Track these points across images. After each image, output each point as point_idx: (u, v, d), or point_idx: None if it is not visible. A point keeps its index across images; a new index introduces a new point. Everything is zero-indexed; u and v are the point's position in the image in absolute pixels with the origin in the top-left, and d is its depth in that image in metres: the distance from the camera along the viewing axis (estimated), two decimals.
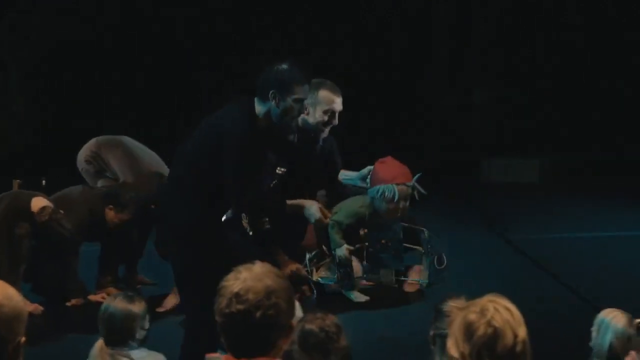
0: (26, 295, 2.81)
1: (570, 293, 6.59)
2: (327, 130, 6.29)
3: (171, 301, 6.31)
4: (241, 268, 2.77)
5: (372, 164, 6.35)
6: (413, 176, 6.18)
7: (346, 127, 6.47)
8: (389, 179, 6.06)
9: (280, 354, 2.81)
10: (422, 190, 6.12)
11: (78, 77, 12.15)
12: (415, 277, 6.29)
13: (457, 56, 13.36)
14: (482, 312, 2.41)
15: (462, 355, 2.40)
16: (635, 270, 7.17)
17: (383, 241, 6.24)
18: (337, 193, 6.51)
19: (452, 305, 3.46)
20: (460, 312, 2.47)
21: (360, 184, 6.31)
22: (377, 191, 6.06)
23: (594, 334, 3.65)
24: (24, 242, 6.07)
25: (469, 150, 12.69)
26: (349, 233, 6.18)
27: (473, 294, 2.61)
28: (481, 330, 2.38)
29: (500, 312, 2.40)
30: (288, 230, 6.09)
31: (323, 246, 6.27)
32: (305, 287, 6.14)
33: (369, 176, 6.22)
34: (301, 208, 5.97)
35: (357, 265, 6.22)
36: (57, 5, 11.87)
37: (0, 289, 2.58)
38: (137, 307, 4.11)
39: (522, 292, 6.12)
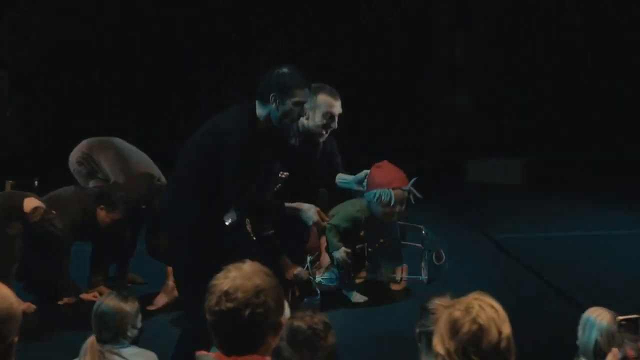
0: (18, 294, 2.84)
1: (553, 291, 6.63)
2: (326, 133, 6.35)
3: (162, 300, 6.36)
4: (231, 267, 2.81)
5: (371, 164, 6.39)
6: (409, 180, 6.23)
7: (346, 127, 6.51)
8: (385, 183, 6.11)
9: (270, 351, 2.84)
10: (418, 194, 6.15)
11: (78, 77, 12.16)
12: (402, 276, 6.37)
13: (457, 56, 13.37)
14: (467, 309, 2.43)
15: (447, 351, 2.42)
16: (618, 267, 7.22)
17: (382, 240, 6.28)
18: (337, 192, 6.56)
19: (438, 303, 3.50)
20: (446, 309, 2.49)
21: (356, 187, 6.35)
22: (374, 195, 6.10)
23: (580, 332, 3.69)
24: (16, 242, 6.12)
25: (455, 151, 12.74)
26: (349, 234, 6.22)
27: (458, 292, 2.63)
28: (466, 327, 2.40)
29: (485, 310, 2.42)
30: (289, 233, 6.14)
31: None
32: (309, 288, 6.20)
33: (365, 180, 6.26)
34: (298, 211, 6.01)
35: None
36: (57, 5, 11.87)
37: None
38: (130, 306, 4.15)
39: (507, 290, 6.19)
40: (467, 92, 13.42)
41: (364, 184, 6.24)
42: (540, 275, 7.02)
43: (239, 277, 2.76)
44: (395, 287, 6.47)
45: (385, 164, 6.26)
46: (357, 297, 6.24)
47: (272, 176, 6.00)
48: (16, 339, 2.63)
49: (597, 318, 3.60)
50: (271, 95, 5.13)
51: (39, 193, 6.49)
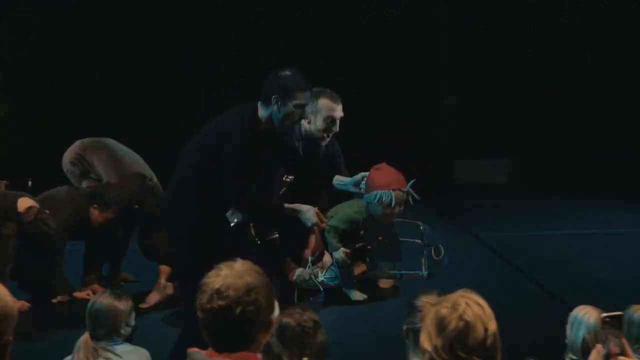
0: (13, 293, 2.86)
1: (539, 289, 6.69)
2: (328, 137, 6.42)
3: (154, 298, 6.41)
4: (222, 265, 2.83)
5: (371, 164, 6.44)
6: (407, 182, 6.30)
7: (346, 128, 6.56)
8: (385, 185, 6.18)
9: (261, 348, 2.86)
10: (416, 196, 6.22)
11: (78, 77, 12.16)
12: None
13: (457, 56, 13.37)
14: (454, 306, 2.46)
15: (434, 348, 2.44)
16: (607, 265, 7.29)
17: (380, 238, 6.34)
18: (335, 193, 6.61)
19: (425, 300, 3.53)
20: (433, 307, 2.51)
21: (353, 189, 6.42)
22: (375, 197, 6.17)
23: (568, 330, 3.73)
24: (10, 242, 6.16)
25: (444, 151, 12.77)
26: (348, 235, 6.28)
27: (445, 289, 2.65)
28: (453, 324, 2.43)
29: (472, 307, 2.45)
30: (289, 234, 6.21)
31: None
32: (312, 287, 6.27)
33: (362, 182, 6.32)
34: (298, 212, 6.06)
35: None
36: (57, 5, 11.88)
37: None
38: (123, 304, 4.19)
39: (496, 288, 6.23)
40: (455, 92, 13.44)
41: (361, 185, 6.30)
42: (528, 274, 7.07)
43: (231, 275, 2.78)
44: (383, 284, 6.55)
45: (384, 166, 6.33)
46: (357, 295, 6.31)
47: (276, 179, 6.05)
48: (11, 338, 2.65)
49: (585, 316, 3.65)
50: (273, 97, 5.23)
51: (32, 193, 6.53)
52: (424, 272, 6.28)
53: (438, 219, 8.44)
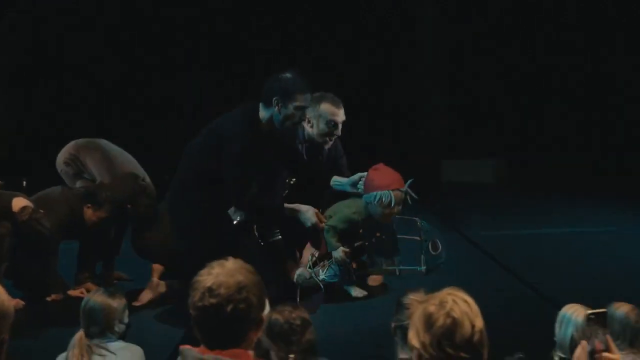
0: (8, 291, 2.89)
1: (526, 287, 6.73)
2: (330, 140, 6.48)
3: (147, 296, 6.46)
4: (214, 264, 2.87)
5: (369, 163, 6.49)
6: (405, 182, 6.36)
7: (346, 127, 6.61)
8: (384, 185, 6.25)
9: (252, 346, 2.89)
10: (414, 195, 6.28)
11: (77, 77, 12.18)
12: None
13: (458, 56, 13.38)
14: (441, 304, 2.49)
15: (422, 344, 2.47)
16: (591, 264, 7.35)
17: (378, 234, 6.40)
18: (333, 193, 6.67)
19: (412, 298, 3.57)
20: (421, 304, 2.54)
21: (351, 189, 6.47)
22: (374, 198, 6.22)
23: (557, 328, 3.78)
24: (5, 241, 6.21)
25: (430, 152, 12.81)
26: (347, 235, 6.33)
27: (432, 287, 2.68)
28: (440, 321, 2.46)
29: (459, 304, 2.48)
30: (289, 234, 6.22)
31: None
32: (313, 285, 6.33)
33: (359, 182, 6.37)
34: (297, 212, 6.12)
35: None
36: (57, 5, 11.89)
37: None
38: (117, 302, 4.23)
39: (480, 286, 6.24)
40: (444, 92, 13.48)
41: (359, 186, 6.35)
42: (517, 272, 7.12)
43: (222, 273, 2.81)
44: (372, 282, 6.63)
45: (381, 167, 6.38)
46: (357, 292, 6.40)
47: (280, 180, 6.10)
48: (7, 336, 2.67)
49: (573, 314, 3.69)
50: (274, 98, 5.37)
51: (27, 193, 6.59)
52: (422, 268, 6.34)
53: (426, 219, 8.49)
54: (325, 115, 6.35)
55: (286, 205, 6.06)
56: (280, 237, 6.12)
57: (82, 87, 12.17)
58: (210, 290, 2.78)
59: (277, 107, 5.40)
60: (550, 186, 11.47)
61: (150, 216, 6.58)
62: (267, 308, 2.99)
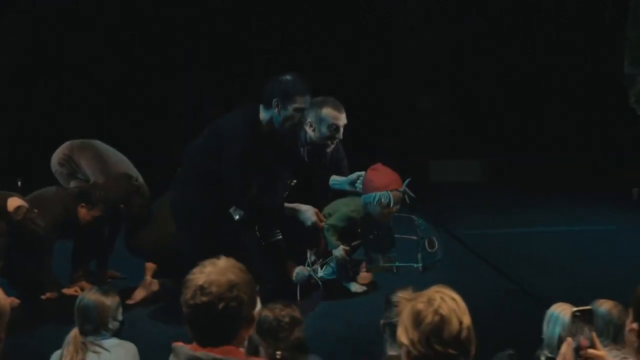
0: (3, 290, 2.92)
1: (513, 285, 6.84)
2: (332, 144, 6.60)
3: (140, 294, 6.58)
4: (206, 262, 2.91)
5: (367, 163, 6.53)
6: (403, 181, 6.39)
7: (346, 128, 6.65)
8: (383, 186, 6.33)
9: (243, 343, 2.92)
10: (412, 194, 6.33)
11: (77, 77, 12.17)
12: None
13: (458, 56, 13.36)
14: (430, 301, 2.52)
15: (411, 341, 2.51)
16: (579, 263, 7.45)
17: (375, 232, 6.45)
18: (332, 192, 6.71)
19: (401, 296, 3.60)
20: (409, 302, 2.58)
21: (349, 188, 6.54)
22: (373, 198, 6.28)
23: (544, 327, 3.81)
24: (0, 240, 6.23)
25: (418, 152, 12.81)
26: (346, 233, 6.39)
27: (421, 286, 2.71)
28: (429, 318, 2.50)
29: (446, 302, 2.52)
30: (289, 233, 6.29)
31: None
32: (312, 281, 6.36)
33: (357, 181, 6.42)
34: (297, 212, 6.17)
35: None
36: (57, 5, 11.89)
37: None
38: (110, 300, 4.29)
39: (469, 284, 6.37)
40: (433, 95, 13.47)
41: (357, 184, 6.40)
42: (506, 271, 7.19)
43: (214, 272, 2.85)
44: (361, 281, 6.69)
45: (380, 167, 6.45)
46: (356, 288, 6.52)
47: (279, 181, 6.15)
48: (3, 335, 2.69)
49: (561, 313, 3.73)
50: (274, 100, 5.52)
51: (22, 193, 6.68)
52: (419, 265, 6.40)
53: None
54: (327, 119, 6.45)
55: (286, 204, 6.11)
56: (280, 236, 6.17)
57: (82, 87, 12.14)
58: (202, 288, 2.82)
59: (276, 109, 5.52)
60: (550, 186, 11.48)
61: (143, 216, 6.65)
62: (259, 305, 3.02)
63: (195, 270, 2.90)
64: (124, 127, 11.90)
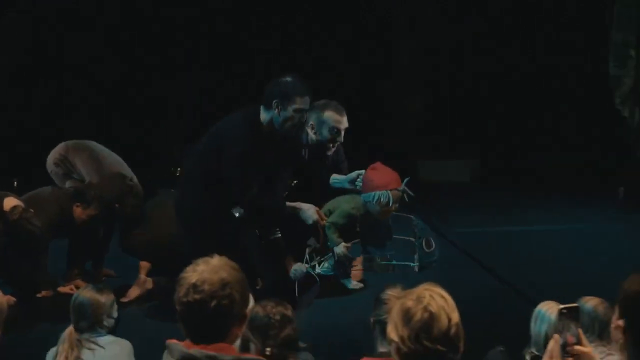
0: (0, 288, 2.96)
1: (501, 284, 6.87)
2: (333, 147, 6.66)
3: (134, 292, 6.66)
4: (199, 261, 2.93)
5: (367, 162, 6.55)
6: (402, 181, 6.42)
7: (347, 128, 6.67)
8: (383, 185, 6.38)
9: (235, 340, 2.94)
10: (411, 193, 6.36)
11: (77, 77, 12.18)
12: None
13: (458, 56, 13.37)
14: (419, 299, 2.54)
15: (401, 338, 2.53)
16: (569, 261, 7.48)
17: (373, 228, 6.49)
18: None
19: (390, 294, 3.62)
20: (398, 299, 2.60)
21: (348, 186, 6.58)
22: (373, 197, 6.31)
23: (532, 325, 3.84)
24: None
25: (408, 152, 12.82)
26: (346, 230, 6.41)
27: (410, 284, 2.73)
28: (418, 315, 2.52)
29: (435, 299, 2.54)
30: (289, 232, 6.30)
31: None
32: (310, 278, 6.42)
33: (357, 179, 6.45)
34: (298, 210, 6.20)
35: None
36: (57, 5, 11.90)
37: None
38: (105, 298, 4.32)
39: (458, 283, 6.34)
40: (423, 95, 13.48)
41: (357, 183, 6.43)
42: (493, 269, 7.22)
43: (207, 270, 2.88)
44: (352, 278, 6.69)
45: (379, 166, 6.49)
46: (354, 284, 6.59)
47: (280, 182, 6.18)
48: (0, 332, 2.71)
49: (548, 312, 3.76)
50: (274, 101, 5.55)
51: (18, 193, 6.73)
52: (415, 264, 6.43)
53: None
54: (329, 122, 6.52)
55: (287, 203, 6.15)
56: (280, 234, 6.19)
57: (82, 87, 12.15)
58: (194, 286, 2.85)
59: (276, 110, 5.58)
60: (550, 186, 11.50)
61: (137, 216, 6.69)
62: (252, 303, 3.04)
63: (189, 268, 2.93)
64: (124, 127, 11.92)
